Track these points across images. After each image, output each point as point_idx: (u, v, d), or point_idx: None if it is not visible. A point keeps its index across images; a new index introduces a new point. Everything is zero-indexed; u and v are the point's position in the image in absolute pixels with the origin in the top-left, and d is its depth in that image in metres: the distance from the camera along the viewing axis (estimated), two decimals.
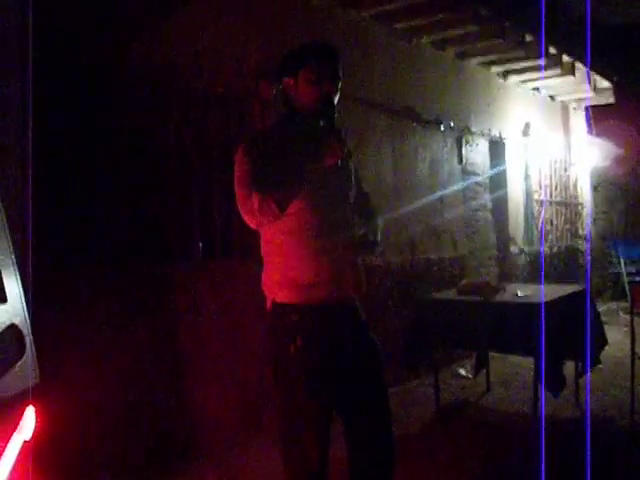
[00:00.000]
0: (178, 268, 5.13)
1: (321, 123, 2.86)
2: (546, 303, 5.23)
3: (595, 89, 10.95)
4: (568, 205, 12.14)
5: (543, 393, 5.25)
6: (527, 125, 10.39)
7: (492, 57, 8.87)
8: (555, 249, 11.40)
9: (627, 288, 12.49)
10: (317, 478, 2.91)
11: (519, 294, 5.86)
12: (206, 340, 5.20)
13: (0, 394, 2.61)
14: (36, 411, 2.75)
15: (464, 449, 5.18)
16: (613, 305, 12.32)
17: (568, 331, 5.57)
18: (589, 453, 3.91)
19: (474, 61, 8.99)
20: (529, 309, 5.34)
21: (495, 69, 9.51)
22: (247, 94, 5.60)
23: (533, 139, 10.47)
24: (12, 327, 2.72)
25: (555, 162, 11.64)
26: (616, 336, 8.56)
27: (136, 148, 4.86)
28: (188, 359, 5.10)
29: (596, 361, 5.96)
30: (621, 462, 4.87)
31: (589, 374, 6.09)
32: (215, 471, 4.73)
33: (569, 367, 5.85)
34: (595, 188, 13.43)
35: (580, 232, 12.45)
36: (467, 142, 8.95)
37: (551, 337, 4.97)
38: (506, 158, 9.85)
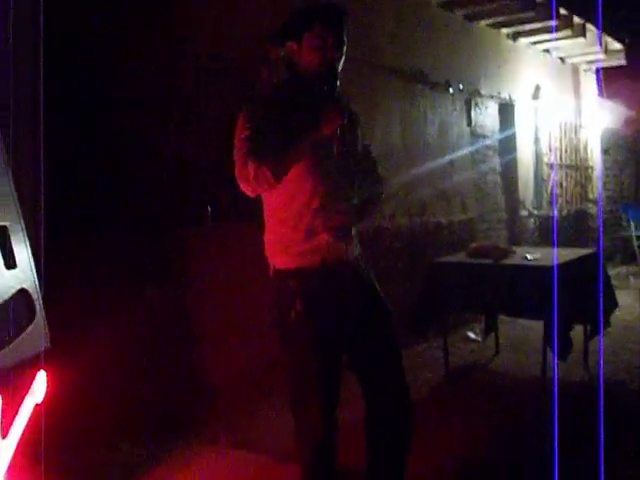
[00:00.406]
0: (188, 232, 5.13)
1: (323, 89, 2.84)
2: (557, 266, 5.21)
3: (606, 51, 10.84)
4: (578, 168, 12.07)
5: (555, 355, 5.25)
6: (537, 87, 10.31)
7: (502, 19, 8.79)
8: (565, 212, 11.36)
9: (637, 252, 12.48)
10: (324, 442, 2.92)
11: (529, 257, 5.85)
12: (216, 305, 5.21)
13: (12, 359, 2.63)
14: (47, 375, 2.78)
15: (473, 412, 5.19)
16: (623, 269, 12.28)
17: (578, 295, 5.57)
18: (602, 415, 3.91)
19: (483, 23, 8.91)
20: (540, 272, 5.33)
21: (505, 31, 9.42)
22: (255, 55, 5.56)
23: (543, 102, 10.39)
24: (22, 292, 2.73)
25: (565, 125, 11.56)
26: (626, 300, 8.54)
27: (147, 114, 4.84)
28: (199, 324, 5.12)
29: (606, 324, 5.96)
30: (632, 425, 4.87)
31: (595, 338, 6.08)
32: (227, 435, 4.76)
33: (578, 330, 5.86)
34: (606, 151, 13.35)
35: (590, 195, 12.39)
36: (476, 105, 8.89)
37: (561, 301, 4.96)
38: (516, 121, 9.78)
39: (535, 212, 10.24)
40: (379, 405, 3.01)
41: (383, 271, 6.64)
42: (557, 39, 9.69)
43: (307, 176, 2.87)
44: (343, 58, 2.99)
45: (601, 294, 5.49)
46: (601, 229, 12.28)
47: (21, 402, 2.67)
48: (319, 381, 2.89)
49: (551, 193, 10.68)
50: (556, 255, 5.77)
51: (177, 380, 4.94)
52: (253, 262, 5.17)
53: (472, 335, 7.54)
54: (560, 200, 11.30)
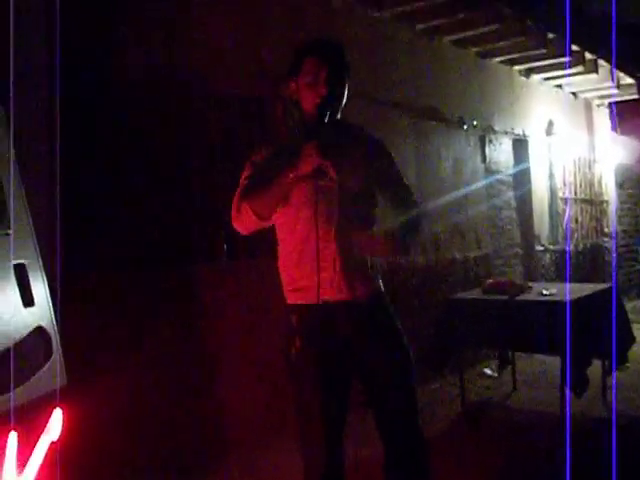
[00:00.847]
0: (204, 269, 5.16)
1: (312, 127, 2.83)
2: (571, 301, 5.20)
3: (619, 86, 10.86)
4: (593, 203, 12.05)
5: (568, 392, 5.22)
6: (550, 123, 10.34)
7: (514, 55, 8.83)
8: (581, 247, 11.32)
9: None
10: (327, 478, 2.89)
11: (544, 293, 5.83)
12: (231, 340, 5.22)
13: (28, 396, 2.64)
14: (63, 412, 2.78)
15: (489, 449, 5.15)
16: (639, 303, 12.20)
17: (594, 330, 5.54)
18: (615, 454, 3.88)
19: (496, 59, 8.96)
20: (554, 307, 5.32)
21: (517, 67, 9.47)
22: (267, 95, 5.61)
23: (557, 137, 10.41)
24: (39, 329, 2.75)
25: (579, 160, 11.56)
26: None
27: (160, 151, 4.89)
28: (214, 359, 5.13)
29: (623, 360, 5.92)
30: None
31: (615, 373, 6.04)
32: (241, 469, 4.74)
33: (596, 365, 5.82)
34: (620, 185, 13.33)
35: (606, 230, 12.36)
36: (490, 141, 8.92)
37: (577, 336, 4.94)
38: (530, 156, 9.80)
39: (551, 247, 10.22)
40: (393, 448, 2.98)
41: (399, 307, 6.62)
42: (570, 75, 9.72)
43: (297, 214, 2.89)
44: (343, 94, 2.96)
45: (614, 328, 5.46)
46: (614, 263, 12.21)
47: (37, 439, 2.68)
48: (320, 418, 2.87)
49: (566, 228, 10.65)
50: (571, 290, 5.76)
51: (192, 416, 4.93)
52: (268, 298, 5.21)
53: (488, 371, 7.50)
54: (576, 235, 11.28)
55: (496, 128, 9.01)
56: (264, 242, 4.83)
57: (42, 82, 3.89)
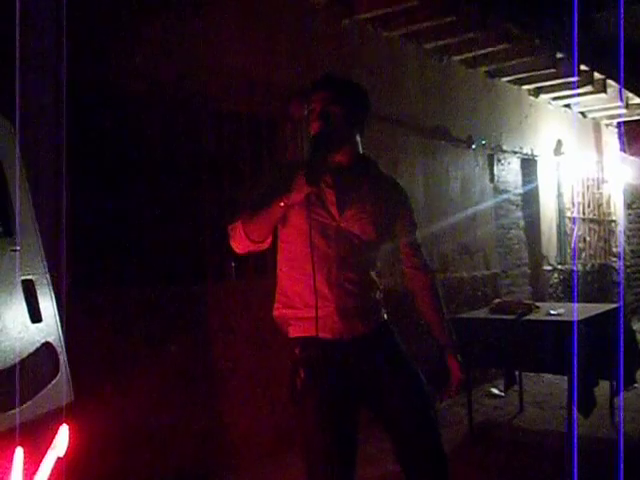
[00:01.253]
0: (212, 288, 5.17)
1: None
2: (579, 322, 5.19)
3: (627, 106, 10.87)
4: (601, 223, 12.03)
5: (575, 413, 5.20)
6: (559, 142, 10.34)
7: (523, 75, 8.84)
8: (589, 267, 11.30)
9: None
10: None
11: (552, 312, 5.82)
12: (239, 358, 5.22)
13: (35, 412, 2.64)
14: (70, 429, 2.78)
15: (496, 470, 5.13)
16: None
17: (602, 350, 5.52)
18: (622, 476, 3.85)
19: (505, 79, 8.98)
20: (562, 327, 5.30)
21: (526, 87, 9.48)
22: (277, 115, 5.63)
23: (565, 156, 10.42)
24: (47, 345, 2.75)
25: (588, 179, 11.56)
26: None
27: (168, 168, 4.91)
28: (222, 377, 5.12)
29: (631, 380, 5.89)
30: None
31: (623, 394, 6.00)
32: None
33: (604, 386, 5.79)
34: (629, 205, 13.31)
35: (614, 249, 12.33)
36: (499, 160, 8.93)
37: (584, 356, 4.92)
38: (538, 176, 9.80)
39: (559, 267, 10.20)
40: (414, 472, 2.93)
41: (407, 328, 6.61)
42: (578, 95, 9.73)
43: (301, 246, 2.88)
44: (342, 131, 2.92)
45: (621, 349, 5.44)
46: (621, 283, 12.16)
47: (43, 455, 2.68)
48: (324, 449, 2.83)
49: (573, 248, 10.63)
50: (578, 310, 5.75)
51: (201, 434, 4.92)
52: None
53: (496, 391, 7.47)
54: (584, 254, 11.25)
55: (504, 147, 9.01)
56: (272, 261, 4.83)
57: (49, 100, 3.92)
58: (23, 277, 2.68)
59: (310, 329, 2.84)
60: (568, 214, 10.63)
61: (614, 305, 6.41)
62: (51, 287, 2.84)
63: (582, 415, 5.22)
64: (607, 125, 12.38)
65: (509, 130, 9.17)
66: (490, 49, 7.73)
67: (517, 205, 9.48)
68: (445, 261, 7.72)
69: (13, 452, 2.49)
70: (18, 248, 2.68)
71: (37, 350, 2.68)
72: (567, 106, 10.70)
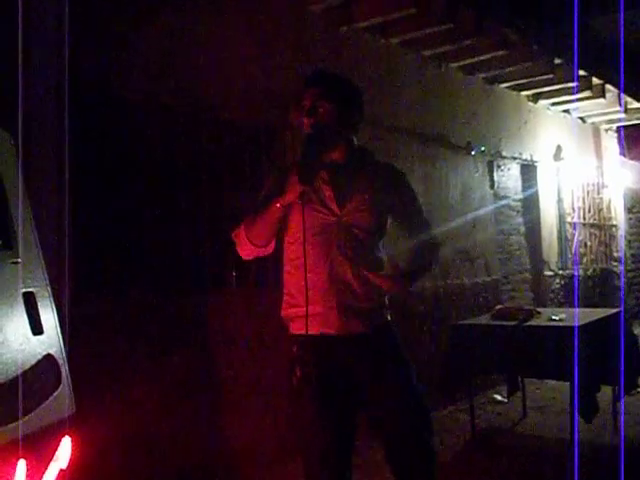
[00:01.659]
0: (213, 297, 5.16)
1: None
2: (580, 327, 5.18)
3: (626, 110, 10.88)
4: (602, 227, 12.03)
5: (576, 419, 5.20)
6: (558, 148, 10.35)
7: (522, 81, 8.86)
8: (590, 272, 11.29)
9: None
10: None
11: (554, 318, 5.81)
12: (240, 368, 5.21)
13: (37, 424, 2.64)
14: (72, 441, 2.78)
15: (499, 476, 5.12)
16: None
17: (603, 355, 5.51)
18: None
19: (504, 85, 8.99)
20: (563, 333, 5.29)
21: (525, 92, 9.49)
22: (276, 122, 5.64)
23: (565, 162, 10.43)
24: (48, 357, 2.75)
25: (588, 184, 11.56)
26: None
27: (168, 178, 4.91)
28: (223, 387, 5.12)
29: (634, 385, 5.88)
30: None
31: (625, 399, 5.99)
32: None
33: (607, 391, 5.79)
34: (629, 209, 13.31)
35: (615, 254, 12.33)
36: (498, 166, 8.94)
37: (585, 361, 4.92)
38: (538, 181, 9.82)
39: (560, 272, 10.20)
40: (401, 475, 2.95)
41: (408, 334, 6.62)
42: (577, 100, 9.73)
43: (296, 244, 2.91)
44: (334, 125, 2.92)
45: (622, 354, 5.43)
46: (622, 288, 12.16)
47: (46, 468, 2.68)
48: (318, 448, 2.86)
49: (574, 253, 10.63)
50: (580, 315, 5.74)
51: (202, 444, 4.92)
52: (277, 326, 5.20)
53: (499, 397, 7.46)
54: (585, 259, 11.25)
55: (504, 153, 9.02)
56: (273, 270, 4.85)
57: (51, 112, 3.93)
58: (24, 289, 2.68)
59: (310, 326, 2.86)
60: (569, 219, 10.64)
61: (615, 310, 6.40)
62: (52, 299, 2.84)
63: (584, 420, 5.21)
64: (606, 130, 12.39)
65: (508, 136, 9.19)
66: (488, 55, 7.73)
67: (517, 211, 9.49)
68: (446, 268, 7.71)
69: (16, 465, 2.49)
70: (19, 260, 2.68)
71: (38, 362, 2.68)
72: (566, 111, 10.71)
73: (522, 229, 9.61)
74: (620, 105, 10.39)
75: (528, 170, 9.71)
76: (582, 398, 5.06)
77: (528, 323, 5.79)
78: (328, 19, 6.32)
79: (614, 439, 5.86)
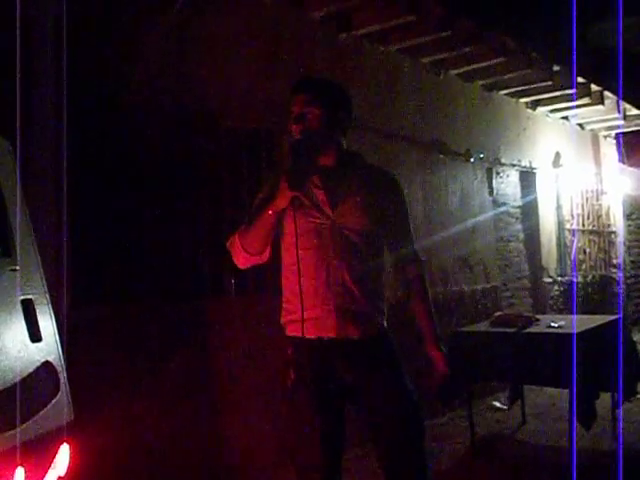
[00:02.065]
0: (212, 304, 5.16)
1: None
2: (579, 334, 5.18)
3: (625, 117, 10.89)
4: (601, 234, 12.03)
5: (574, 426, 5.19)
6: (557, 154, 10.36)
7: (520, 88, 8.87)
8: (589, 278, 11.29)
9: None
10: None
11: (552, 325, 5.81)
12: (239, 374, 5.21)
13: (36, 431, 2.64)
14: (70, 448, 2.78)
15: None
16: None
17: (602, 362, 5.51)
18: None
19: (502, 92, 9.00)
20: (562, 340, 5.29)
21: (523, 99, 9.51)
22: (276, 129, 5.64)
23: (564, 169, 10.43)
24: (47, 365, 2.75)
25: (587, 191, 11.56)
26: None
27: (168, 184, 4.91)
28: (222, 393, 5.11)
29: (633, 392, 5.88)
30: None
31: (624, 406, 5.99)
32: None
33: (605, 398, 5.78)
34: (628, 216, 13.32)
35: (614, 261, 12.32)
36: (497, 173, 8.94)
37: (585, 368, 4.92)
38: (537, 188, 9.82)
39: (559, 279, 10.20)
40: None
41: (407, 341, 6.60)
42: (576, 107, 9.74)
43: (288, 247, 2.95)
44: (321, 130, 2.91)
45: (620, 361, 5.43)
46: (620, 295, 12.15)
47: (44, 475, 2.67)
48: (310, 451, 2.87)
49: (573, 259, 10.63)
50: (579, 322, 5.74)
51: (201, 448, 4.91)
52: (275, 333, 5.20)
53: (498, 404, 7.46)
54: (584, 266, 11.24)
55: (503, 160, 9.03)
56: (271, 277, 4.85)
57: (49, 116, 3.93)
58: (22, 297, 2.68)
59: (307, 330, 2.88)
60: (567, 226, 10.64)
61: (614, 316, 6.40)
62: (50, 306, 2.85)
63: (583, 428, 5.20)
64: (605, 136, 12.40)
65: (507, 143, 9.19)
66: (487, 63, 7.75)
67: (516, 218, 9.49)
68: (445, 275, 7.72)
69: (14, 472, 2.49)
70: (17, 267, 2.68)
71: (37, 369, 2.68)
72: (565, 118, 10.72)
73: (521, 236, 9.61)
74: (619, 112, 10.40)
75: (527, 177, 9.71)
76: (580, 405, 5.06)
77: (527, 330, 5.79)
78: (327, 26, 6.34)
79: (613, 446, 5.86)
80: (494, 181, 8.80)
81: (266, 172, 5.50)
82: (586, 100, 9.35)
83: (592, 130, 11.84)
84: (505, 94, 9.09)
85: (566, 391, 5.57)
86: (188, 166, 5.08)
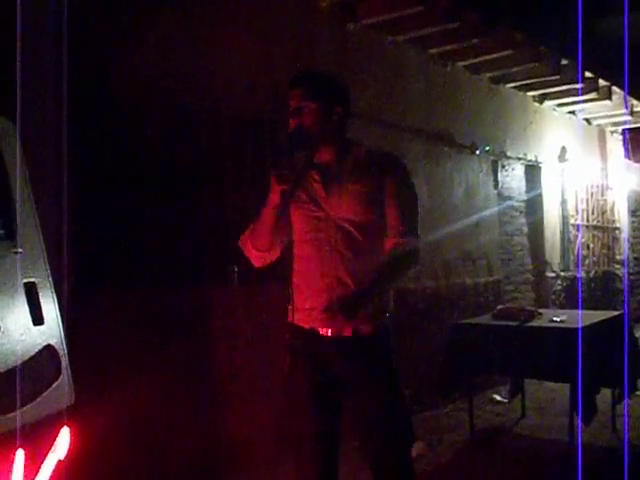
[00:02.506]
0: (214, 293, 5.16)
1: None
2: (582, 329, 5.18)
3: (632, 112, 10.86)
4: (605, 229, 12.02)
5: (580, 421, 5.19)
6: (563, 149, 10.34)
7: (528, 81, 8.85)
8: (592, 274, 11.28)
9: None
10: None
11: (555, 319, 5.81)
12: (241, 364, 5.21)
13: (36, 414, 2.64)
14: (71, 431, 2.78)
15: (497, 477, 5.12)
16: None
17: (604, 357, 5.51)
18: None
19: (510, 85, 8.98)
20: (564, 334, 5.29)
21: (531, 93, 9.49)
22: (280, 118, 5.63)
23: (569, 163, 10.41)
24: (49, 348, 2.76)
25: (592, 186, 11.55)
26: None
27: (171, 174, 4.90)
28: (224, 383, 5.12)
29: (633, 388, 5.88)
30: None
31: (626, 400, 5.99)
32: None
33: (605, 393, 5.78)
34: (633, 212, 13.30)
35: (618, 257, 12.32)
36: (503, 167, 8.93)
37: (586, 364, 4.92)
38: (542, 182, 9.80)
39: (562, 274, 10.19)
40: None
41: (408, 332, 6.62)
42: (583, 101, 9.71)
43: (295, 240, 2.98)
44: (317, 124, 2.88)
45: (626, 356, 5.43)
46: (626, 290, 12.15)
47: (44, 458, 2.68)
48: (304, 436, 2.92)
49: (577, 254, 10.62)
50: (582, 317, 5.73)
51: (201, 436, 4.92)
52: (279, 323, 5.20)
53: (498, 397, 7.45)
54: (587, 261, 11.24)
55: (509, 154, 9.01)
56: (275, 267, 4.83)
57: (50, 107, 3.92)
58: (25, 280, 2.69)
59: (303, 319, 2.92)
60: (572, 221, 10.62)
61: (617, 312, 6.40)
62: (53, 289, 2.85)
63: (583, 423, 5.20)
64: (612, 132, 12.38)
65: (513, 136, 9.17)
66: (494, 55, 7.72)
67: (521, 212, 9.49)
68: (448, 267, 7.71)
69: (14, 454, 2.50)
70: (20, 250, 2.68)
71: (39, 352, 2.69)
72: (572, 113, 10.70)
73: (525, 230, 9.60)
74: (626, 107, 10.38)
75: (532, 171, 9.70)
76: (582, 400, 5.05)
77: (529, 324, 5.79)
78: (334, 16, 6.32)
79: (612, 441, 5.86)
80: (499, 174, 8.79)
81: (269, 160, 5.48)
82: (593, 95, 9.33)
83: (599, 125, 11.81)
84: (512, 87, 9.07)
85: (566, 386, 5.57)
86: (190, 155, 5.07)
